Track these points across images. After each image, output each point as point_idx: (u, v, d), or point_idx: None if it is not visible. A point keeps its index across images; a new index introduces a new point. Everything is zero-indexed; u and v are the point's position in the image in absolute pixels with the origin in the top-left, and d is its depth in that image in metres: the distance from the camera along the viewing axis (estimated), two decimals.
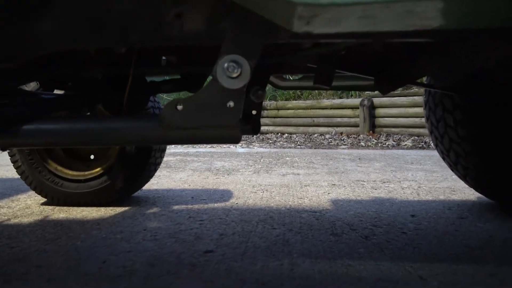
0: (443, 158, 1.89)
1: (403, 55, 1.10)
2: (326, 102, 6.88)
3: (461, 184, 2.37)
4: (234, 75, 0.74)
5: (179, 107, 0.80)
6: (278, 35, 0.71)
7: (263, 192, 2.21)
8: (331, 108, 6.74)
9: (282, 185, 2.42)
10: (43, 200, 1.99)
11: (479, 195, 2.04)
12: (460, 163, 1.76)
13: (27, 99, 0.98)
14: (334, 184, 2.44)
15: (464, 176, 1.81)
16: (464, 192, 2.18)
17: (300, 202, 1.95)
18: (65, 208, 1.83)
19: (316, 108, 6.90)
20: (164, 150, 1.96)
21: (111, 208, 1.81)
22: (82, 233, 1.44)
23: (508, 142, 1.61)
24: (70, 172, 1.84)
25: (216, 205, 1.89)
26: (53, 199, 1.85)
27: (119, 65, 1.01)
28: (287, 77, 1.64)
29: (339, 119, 6.63)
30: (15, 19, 0.73)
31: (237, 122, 0.79)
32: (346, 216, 1.68)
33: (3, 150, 1.15)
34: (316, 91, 7.61)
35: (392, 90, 1.29)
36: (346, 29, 0.59)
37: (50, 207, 1.85)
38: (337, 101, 6.85)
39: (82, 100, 1.04)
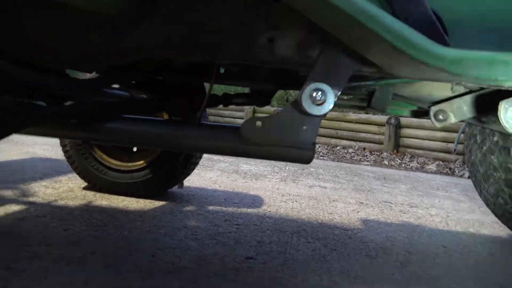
0: (480, 193, 1.90)
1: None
2: (352, 116, 6.87)
3: (490, 218, 2.36)
4: (318, 102, 0.78)
5: (258, 124, 0.84)
6: (366, 69, 0.76)
7: (293, 202, 2.25)
8: (356, 123, 6.72)
9: (310, 197, 2.45)
10: (84, 184, 2.08)
11: (510, 232, 2.03)
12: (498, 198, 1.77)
13: (110, 99, 1.05)
14: (361, 203, 2.45)
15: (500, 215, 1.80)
16: (494, 227, 2.17)
17: (330, 217, 1.98)
18: (106, 195, 1.91)
19: (341, 121, 6.89)
20: None
21: (149, 201, 1.88)
22: (127, 223, 1.51)
23: None
24: (114, 161, 1.91)
25: (249, 210, 1.94)
26: (95, 185, 1.93)
27: (192, 75, 1.06)
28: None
29: (363, 134, 6.61)
30: (122, 27, 0.79)
31: (311, 144, 0.84)
32: (378, 238, 1.70)
33: (85, 143, 1.21)
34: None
35: (446, 123, 1.31)
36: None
37: (92, 193, 1.93)
38: (363, 116, 6.83)
39: (157, 105, 1.10)
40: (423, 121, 5.98)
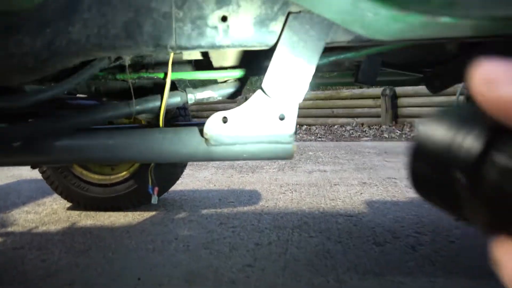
0: None
1: (466, 49, 0.99)
2: (345, 92, 6.71)
3: None
4: (288, 83, 0.65)
5: (224, 120, 0.72)
6: (342, 36, 0.62)
7: (292, 192, 2.12)
8: (351, 99, 6.57)
9: (310, 184, 2.33)
10: (69, 204, 1.96)
11: None
12: None
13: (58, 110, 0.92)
14: (364, 183, 2.33)
15: None
16: None
17: (333, 204, 1.86)
18: (92, 213, 1.79)
19: (335, 99, 6.73)
20: None
21: (138, 213, 1.76)
22: (113, 242, 1.39)
23: None
24: (96, 176, 1.79)
25: (245, 208, 1.82)
26: (79, 204, 1.81)
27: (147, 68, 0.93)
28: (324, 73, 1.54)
29: (359, 110, 6.46)
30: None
31: (290, 135, 0.71)
32: (385, 220, 1.58)
33: (34, 168, 1.09)
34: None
35: (443, 89, 1.18)
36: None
37: (77, 212, 1.81)
38: (357, 91, 6.67)
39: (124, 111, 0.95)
40: (418, 88, 5.82)
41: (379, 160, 3.26)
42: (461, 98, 1.74)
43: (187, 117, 1.79)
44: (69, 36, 0.65)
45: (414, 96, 5.87)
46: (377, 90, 6.28)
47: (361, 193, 2.06)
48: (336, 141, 5.26)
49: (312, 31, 0.63)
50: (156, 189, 0.94)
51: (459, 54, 1.07)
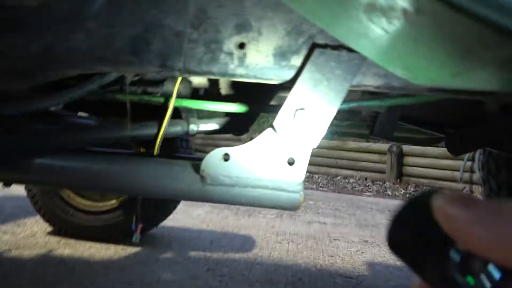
0: None
1: (490, 114, 0.92)
2: (352, 144, 6.66)
3: None
4: (305, 125, 0.57)
5: (226, 157, 0.63)
6: (372, 80, 0.55)
7: (289, 243, 1.99)
8: (357, 151, 6.50)
9: (308, 236, 2.19)
10: (51, 228, 1.83)
11: None
12: None
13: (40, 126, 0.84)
14: (366, 241, 2.19)
15: None
16: None
17: (331, 261, 1.72)
18: (72, 241, 1.66)
19: (341, 150, 6.66)
20: None
21: (122, 247, 1.63)
22: (87, 278, 1.25)
23: None
24: (83, 201, 1.68)
25: (237, 255, 1.68)
26: (60, 230, 1.69)
27: (154, 95, 0.86)
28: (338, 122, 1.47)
29: (364, 163, 6.37)
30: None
31: (299, 184, 0.61)
32: (387, 287, 1.44)
33: (6, 186, 1.01)
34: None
35: (464, 152, 1.09)
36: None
37: (56, 239, 1.68)
38: (364, 144, 6.62)
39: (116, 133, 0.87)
40: (426, 149, 5.76)
41: (382, 218, 3.12)
42: (468, 163, 1.66)
43: (189, 150, 1.71)
44: (69, 44, 0.58)
45: (421, 156, 5.80)
46: (383, 146, 6.22)
47: (362, 252, 1.92)
48: (338, 192, 5.14)
49: (338, 70, 0.55)
50: (140, 226, 0.84)
51: (484, 117, 1.00)
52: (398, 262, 1.81)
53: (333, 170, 6.60)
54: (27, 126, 0.75)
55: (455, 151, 1.09)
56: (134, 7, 0.58)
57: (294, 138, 0.59)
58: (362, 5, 0.27)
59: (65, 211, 1.66)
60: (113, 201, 1.66)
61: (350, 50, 0.54)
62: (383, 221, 2.98)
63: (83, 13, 0.59)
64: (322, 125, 0.58)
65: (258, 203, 0.64)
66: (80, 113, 1.31)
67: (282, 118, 0.59)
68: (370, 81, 0.57)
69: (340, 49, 0.54)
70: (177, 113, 0.97)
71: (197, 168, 0.65)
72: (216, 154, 0.63)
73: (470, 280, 0.14)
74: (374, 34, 0.30)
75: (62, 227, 1.68)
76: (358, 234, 2.39)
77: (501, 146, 1.18)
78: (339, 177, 6.29)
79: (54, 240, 1.65)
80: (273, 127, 0.61)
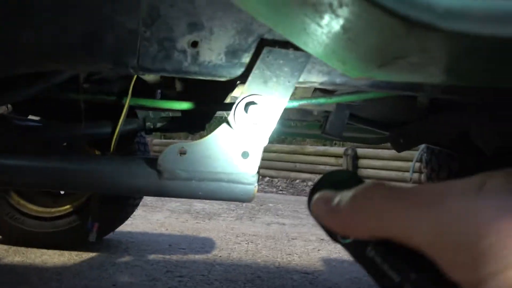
0: None
1: (433, 110, 1.00)
2: (310, 148, 6.83)
3: None
4: (257, 120, 0.60)
5: (182, 152, 0.65)
6: (317, 76, 0.59)
7: (248, 243, 2.02)
8: (314, 155, 6.68)
9: (267, 236, 2.24)
10: None
11: None
12: None
13: None
14: (322, 239, 2.27)
15: None
16: None
17: (289, 259, 1.77)
18: (22, 249, 1.58)
19: (300, 154, 6.82)
20: None
21: (76, 253, 1.58)
22: (39, 285, 1.21)
23: None
24: (35, 207, 1.61)
25: (197, 256, 1.69)
26: (10, 238, 1.61)
27: (109, 94, 0.86)
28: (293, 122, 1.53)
29: (322, 167, 6.56)
30: None
31: (253, 176, 0.65)
32: (342, 281, 1.51)
33: None
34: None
35: (407, 148, 1.18)
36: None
37: (5, 247, 1.60)
38: (321, 148, 6.82)
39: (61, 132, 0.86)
40: (379, 151, 6.04)
41: None
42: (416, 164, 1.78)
43: (147, 154, 1.70)
44: (18, 40, 0.58)
45: (374, 159, 6.07)
46: (339, 149, 6.45)
47: (318, 250, 1.99)
48: (297, 195, 5.25)
49: (286, 67, 0.60)
50: (96, 225, 0.83)
51: (424, 115, 1.09)
52: (352, 258, 1.90)
53: (293, 174, 6.74)
54: None
55: (399, 148, 1.17)
56: (87, 3, 0.59)
57: (247, 132, 0.62)
58: (298, 0, 0.30)
59: (15, 218, 1.58)
60: (67, 206, 1.61)
61: (296, 48, 0.58)
62: None
63: (31, 8, 0.58)
64: (273, 119, 0.62)
65: (214, 196, 0.66)
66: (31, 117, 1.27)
67: (235, 113, 0.62)
68: (315, 78, 0.62)
69: (287, 47, 0.59)
70: (134, 113, 0.97)
71: (154, 164, 0.67)
72: (172, 149, 0.65)
73: (345, 240, 0.20)
74: (311, 29, 0.34)
75: (12, 235, 1.60)
76: (315, 233, 2.46)
77: (437, 142, 1.29)
78: (298, 181, 6.43)
79: (2, 249, 1.57)
80: (227, 122, 0.64)
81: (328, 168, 6.49)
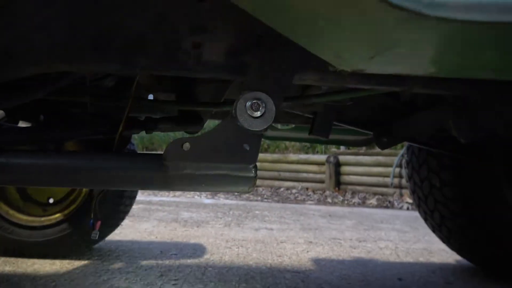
0: (425, 219, 1.86)
1: (413, 107, 1.08)
2: (292, 157, 6.93)
3: (436, 245, 2.34)
4: (257, 114, 0.65)
5: (186, 146, 0.69)
6: (311, 73, 0.65)
7: (238, 248, 2.05)
8: (297, 163, 6.77)
9: (257, 240, 2.27)
10: None
11: (458, 257, 2.00)
12: (444, 225, 1.73)
13: None
14: (311, 242, 2.32)
15: (448, 238, 1.77)
16: (441, 255, 2.14)
17: (280, 260, 1.81)
18: (12, 259, 1.57)
19: (283, 162, 6.90)
20: (134, 197, 1.79)
21: (68, 261, 1.58)
22: None
23: (494, 206, 1.60)
24: (24, 217, 1.60)
25: (189, 261, 1.71)
26: None
27: (106, 96, 0.89)
28: (278, 126, 1.59)
29: (305, 175, 6.65)
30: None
31: (252, 167, 0.69)
32: (332, 278, 1.56)
33: None
34: (283, 145, 7.69)
35: (391, 146, 1.25)
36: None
37: None
38: (303, 156, 6.92)
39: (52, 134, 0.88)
40: (360, 158, 6.18)
41: (324, 222, 3.30)
42: (396, 169, 1.86)
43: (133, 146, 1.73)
44: (30, 42, 0.62)
45: (356, 165, 6.20)
46: (322, 157, 6.56)
47: (307, 251, 2.04)
48: (282, 202, 5.30)
49: (284, 65, 0.65)
50: (99, 222, 0.86)
51: (405, 114, 1.17)
52: (340, 257, 1.95)
53: (277, 183, 6.79)
54: None
55: (382, 145, 1.24)
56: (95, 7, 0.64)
57: (247, 126, 0.67)
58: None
59: (4, 228, 1.57)
60: (57, 215, 1.61)
61: (294, 46, 0.64)
62: (325, 224, 3.16)
63: (44, 12, 0.62)
64: (271, 115, 0.67)
65: (216, 187, 0.71)
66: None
67: (236, 108, 0.67)
68: (309, 75, 0.67)
69: (285, 45, 0.64)
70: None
71: (159, 159, 0.70)
72: (176, 144, 0.69)
73: None
74: (308, 25, 0.39)
75: (1, 246, 1.58)
76: (303, 236, 2.51)
77: (417, 139, 1.37)
78: (282, 189, 6.49)
79: None
80: (229, 117, 0.69)
81: (312, 176, 6.59)
